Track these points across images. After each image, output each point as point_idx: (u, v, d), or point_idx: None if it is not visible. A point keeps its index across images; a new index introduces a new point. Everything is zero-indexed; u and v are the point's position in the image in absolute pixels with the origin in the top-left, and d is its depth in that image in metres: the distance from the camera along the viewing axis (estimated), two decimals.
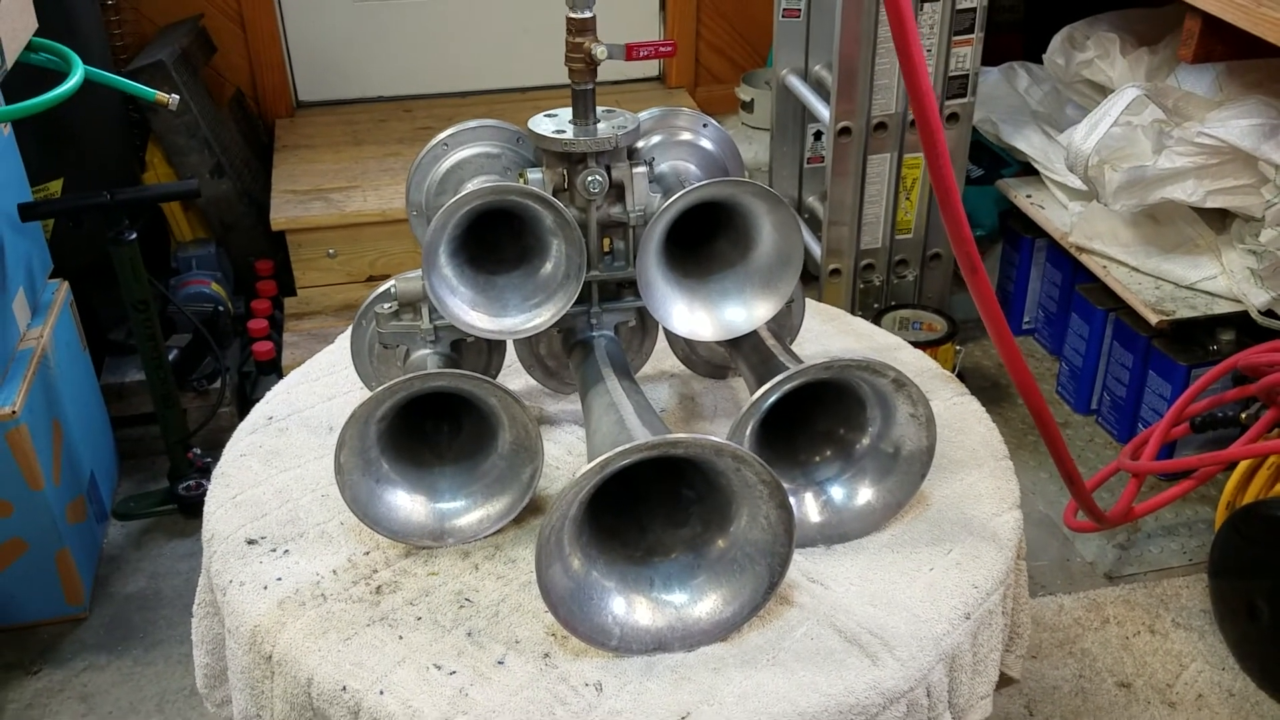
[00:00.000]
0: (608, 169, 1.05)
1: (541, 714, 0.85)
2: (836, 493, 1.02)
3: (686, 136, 1.14)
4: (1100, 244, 2.19)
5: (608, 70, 1.05)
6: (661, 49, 1.05)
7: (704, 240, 1.08)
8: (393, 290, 1.08)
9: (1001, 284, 2.62)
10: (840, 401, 1.04)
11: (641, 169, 1.07)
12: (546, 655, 0.90)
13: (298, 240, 2.43)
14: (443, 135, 1.11)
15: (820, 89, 2.38)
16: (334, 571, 0.99)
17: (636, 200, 1.07)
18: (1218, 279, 2.07)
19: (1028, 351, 2.56)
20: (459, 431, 1.06)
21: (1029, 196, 2.44)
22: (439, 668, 0.89)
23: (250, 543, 1.02)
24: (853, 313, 2.33)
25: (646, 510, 0.95)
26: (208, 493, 1.11)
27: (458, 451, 1.05)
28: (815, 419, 1.06)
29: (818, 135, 2.57)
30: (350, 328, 1.15)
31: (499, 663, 0.89)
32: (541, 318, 1.03)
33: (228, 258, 2.52)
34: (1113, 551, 1.97)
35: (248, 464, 1.13)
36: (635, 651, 0.89)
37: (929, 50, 2.21)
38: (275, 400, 1.23)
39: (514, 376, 1.22)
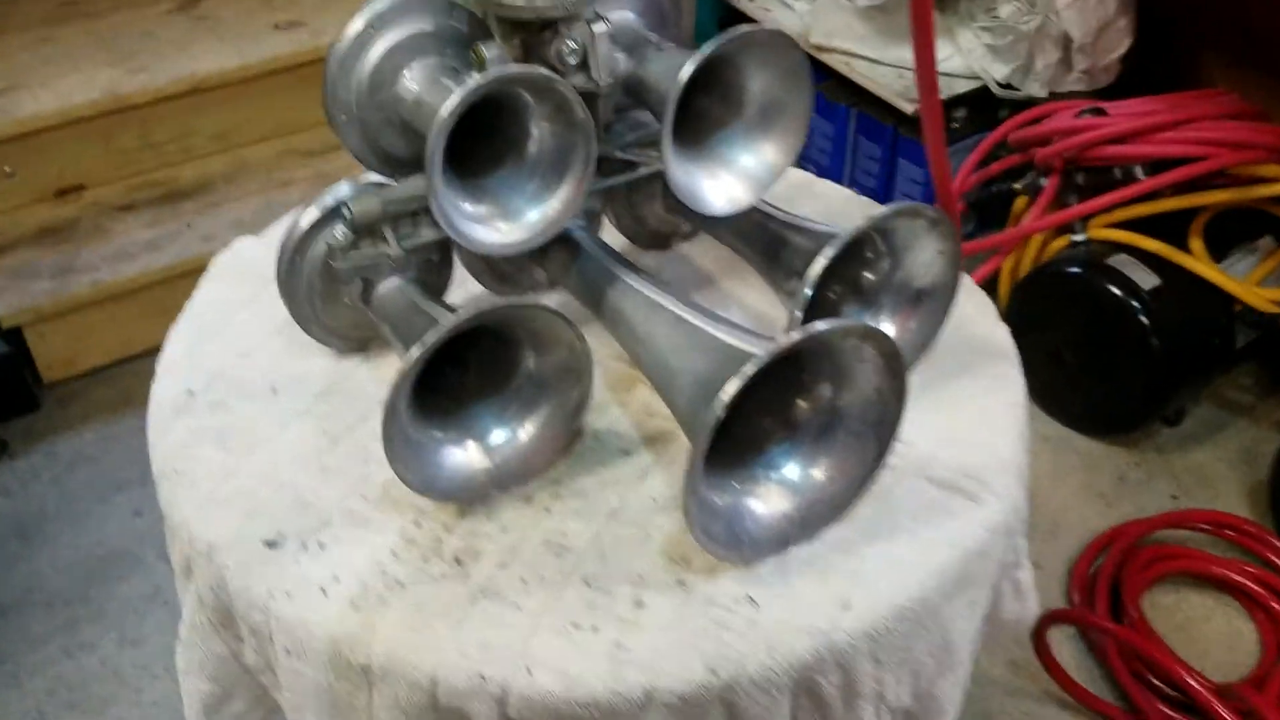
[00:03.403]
0: None
1: (712, 644, 0.79)
2: None
3: None
4: (840, 41, 2.25)
5: None
6: None
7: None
8: (347, 214, 0.92)
9: None
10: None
11: (602, 28, 0.95)
12: (681, 583, 0.84)
13: None
14: (362, 18, 0.92)
15: None
16: (394, 554, 0.86)
17: (602, 65, 0.96)
18: (954, 58, 2.19)
19: None
20: (466, 367, 0.94)
21: (753, 0, 2.45)
22: (577, 627, 0.81)
23: (270, 545, 0.86)
24: None
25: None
26: (163, 496, 0.92)
27: (475, 388, 0.93)
28: None
29: None
30: (276, 267, 0.97)
31: (638, 604, 0.82)
32: (556, 209, 0.91)
33: None
34: None
35: (202, 453, 0.94)
36: (765, 554, 0.85)
37: None
38: (179, 369, 1.03)
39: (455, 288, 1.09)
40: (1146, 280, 1.79)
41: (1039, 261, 1.95)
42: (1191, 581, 1.71)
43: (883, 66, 2.22)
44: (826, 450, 0.87)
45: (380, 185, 0.96)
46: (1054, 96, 2.09)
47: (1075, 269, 1.84)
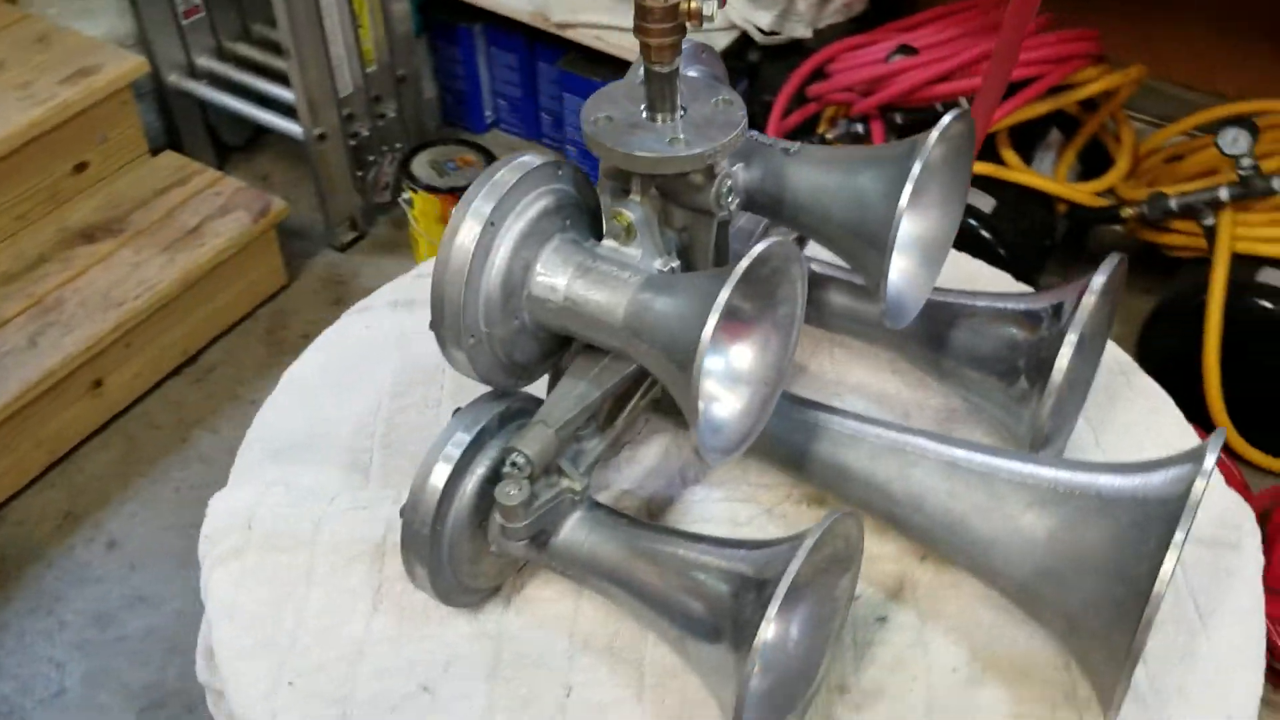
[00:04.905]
0: None
1: None
2: None
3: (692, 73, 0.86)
4: (586, 15, 2.08)
5: None
6: None
7: None
8: (522, 462, 0.69)
9: (450, 85, 2.39)
10: None
11: None
12: None
13: None
14: (475, 219, 0.68)
15: None
16: None
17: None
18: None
19: (499, 144, 2.40)
20: None
21: None
22: None
23: None
24: (355, 177, 2.00)
25: None
26: None
27: None
28: None
29: None
30: (405, 549, 0.72)
31: None
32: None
33: None
34: None
35: None
36: None
37: None
38: (285, 710, 0.75)
39: None
40: (984, 203, 1.81)
41: None
42: None
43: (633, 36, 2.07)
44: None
45: (501, 400, 0.74)
46: (817, 35, 2.05)
47: None
